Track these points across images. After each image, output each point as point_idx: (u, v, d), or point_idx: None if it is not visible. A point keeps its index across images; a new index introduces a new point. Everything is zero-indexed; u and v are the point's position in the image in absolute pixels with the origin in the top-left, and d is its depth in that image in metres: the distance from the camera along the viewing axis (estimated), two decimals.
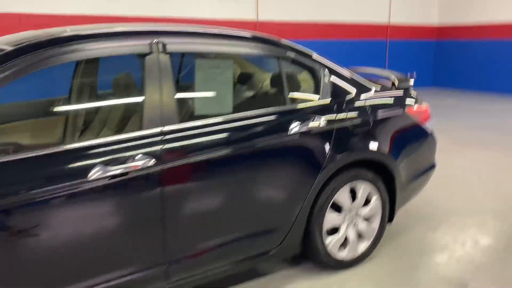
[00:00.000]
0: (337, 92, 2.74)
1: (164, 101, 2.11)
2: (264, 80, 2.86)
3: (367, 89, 2.90)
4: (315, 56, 2.74)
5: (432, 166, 3.29)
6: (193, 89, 2.55)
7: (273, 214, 2.47)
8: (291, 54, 2.60)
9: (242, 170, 2.31)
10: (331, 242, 2.73)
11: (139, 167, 1.99)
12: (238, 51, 2.44)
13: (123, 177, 1.96)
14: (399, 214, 3.64)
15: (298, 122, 2.49)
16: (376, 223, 2.93)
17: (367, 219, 2.91)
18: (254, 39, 2.48)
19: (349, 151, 2.66)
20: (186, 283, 2.25)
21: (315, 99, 2.69)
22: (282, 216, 2.50)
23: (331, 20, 10.86)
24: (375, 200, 2.88)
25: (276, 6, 10.00)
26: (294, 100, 2.65)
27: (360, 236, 2.88)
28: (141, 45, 2.12)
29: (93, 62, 2.78)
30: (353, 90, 2.81)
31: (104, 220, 1.97)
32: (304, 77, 2.77)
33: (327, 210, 2.67)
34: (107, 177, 1.92)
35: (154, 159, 2.02)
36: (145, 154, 2.02)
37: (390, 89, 3.07)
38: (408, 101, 3.07)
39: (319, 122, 2.56)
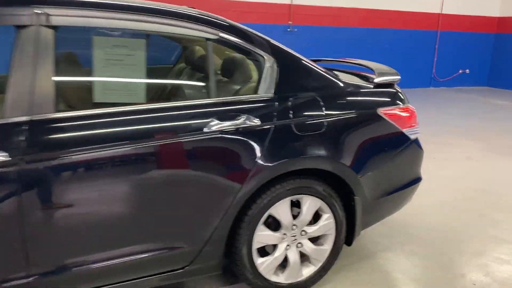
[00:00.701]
0: (286, 86, 2.26)
1: (37, 85, 1.76)
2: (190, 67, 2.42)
3: (333, 84, 2.40)
4: (262, 41, 2.26)
5: (415, 180, 2.74)
6: (84, 73, 2.18)
7: (178, 229, 2.06)
8: (226, 37, 2.15)
9: (135, 172, 1.91)
10: (264, 263, 2.30)
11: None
12: (148, 28, 2.02)
13: None
14: (374, 232, 3.12)
15: (221, 118, 2.05)
16: (327, 245, 2.44)
17: (316, 239, 2.44)
18: (171, 14, 2.05)
19: (289, 158, 2.19)
20: None
21: (252, 92, 2.24)
22: (191, 231, 2.08)
23: (374, 7, 10.05)
24: (326, 218, 2.39)
25: None
26: (223, 92, 2.21)
27: (305, 258, 2.42)
28: (18, 15, 1.77)
29: None
30: (309, 84, 2.32)
31: None
32: (248, 66, 2.32)
33: (259, 226, 2.23)
34: None
35: (8, 154, 1.68)
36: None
37: (366, 85, 2.53)
38: (384, 100, 2.53)
39: (249, 119, 2.10)
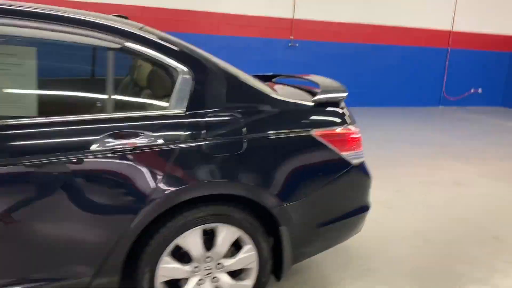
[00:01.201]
0: (201, 101, 2.04)
1: None
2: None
3: (262, 101, 2.16)
4: (177, 51, 2.05)
5: (360, 209, 2.46)
6: None
7: (56, 259, 1.84)
8: (132, 46, 1.95)
9: (10, 196, 1.71)
10: None
11: None
12: (41, 36, 1.82)
13: None
14: (326, 263, 2.83)
15: (115, 136, 1.84)
16: (249, 281, 2.19)
17: (238, 273, 2.19)
18: (68, 20, 1.86)
19: (197, 182, 1.95)
20: None
21: (160, 108, 2.02)
22: (74, 262, 1.86)
23: (380, 23, 9.77)
24: (247, 250, 2.14)
25: (316, 4, 9.17)
26: (128, 107, 2.01)
27: None
28: None
29: None
30: (230, 100, 2.09)
31: None
32: (162, 78, 2.10)
33: (163, 257, 1.99)
34: None
35: None
36: None
37: (303, 103, 2.28)
38: (321, 120, 2.27)
39: (149, 138, 1.89)
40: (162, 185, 1.88)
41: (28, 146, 1.74)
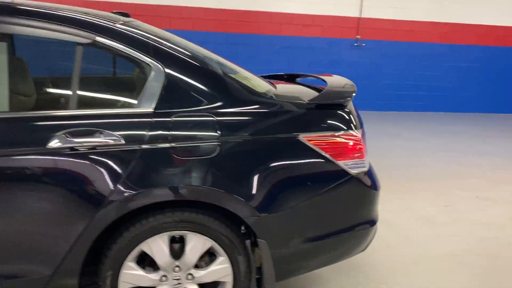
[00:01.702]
0: (172, 100, 1.91)
1: None
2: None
3: (245, 101, 1.99)
4: (151, 46, 1.94)
5: (362, 224, 2.17)
6: None
7: (17, 254, 1.82)
8: (103, 41, 1.87)
9: None
10: None
11: None
12: (4, 31, 1.81)
13: None
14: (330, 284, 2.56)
15: (74, 134, 1.77)
16: None
17: (214, 286, 2.03)
18: (36, 15, 1.83)
19: (157, 187, 1.83)
20: None
21: (128, 106, 1.93)
22: (32, 260, 1.82)
23: (458, 21, 8.97)
24: (220, 262, 1.97)
25: (385, 2, 8.65)
26: (88, 104, 1.93)
27: None
28: None
29: None
30: (207, 99, 1.94)
31: None
32: (136, 76, 2.01)
33: (126, 263, 1.89)
34: None
35: None
36: None
37: (295, 103, 2.07)
38: (315, 124, 2.04)
39: (109, 137, 1.80)
40: (120, 188, 1.78)
41: None
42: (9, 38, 1.88)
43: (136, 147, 1.81)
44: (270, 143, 1.96)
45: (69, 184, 1.77)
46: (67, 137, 1.77)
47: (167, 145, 1.83)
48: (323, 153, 2.00)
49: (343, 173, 2.05)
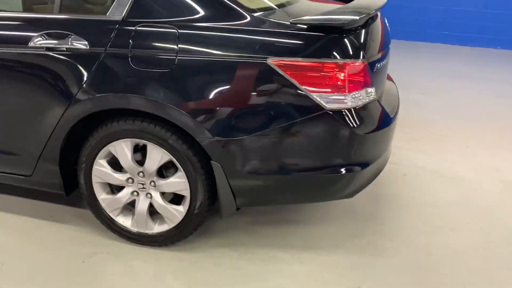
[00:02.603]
0: (142, 10, 1.90)
1: None
2: None
3: (221, 16, 1.89)
4: None
5: (344, 166, 1.94)
6: None
7: (10, 135, 2.13)
8: None
9: None
10: (106, 200, 2.16)
11: None
12: None
13: None
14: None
15: (49, 35, 1.93)
16: (183, 207, 2.08)
17: (178, 198, 2.11)
18: None
19: (113, 92, 1.90)
20: None
21: (101, 13, 1.97)
22: (21, 141, 2.12)
23: None
24: (179, 176, 2.02)
25: None
26: (74, 9, 2.03)
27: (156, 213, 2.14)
28: None
29: None
30: (177, 11, 1.89)
31: None
32: None
33: (97, 159, 2.07)
34: None
35: None
36: None
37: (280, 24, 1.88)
38: (287, 46, 1.83)
39: (76, 41, 1.90)
40: (84, 89, 1.91)
41: None
42: None
43: (99, 51, 1.89)
44: (233, 63, 1.83)
45: (45, 81, 1.97)
46: (45, 38, 1.93)
47: (127, 53, 1.86)
48: (293, 81, 1.80)
49: (315, 106, 1.82)
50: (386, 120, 2.06)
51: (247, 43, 1.84)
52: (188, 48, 1.84)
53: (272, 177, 1.96)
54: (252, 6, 2.01)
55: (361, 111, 1.90)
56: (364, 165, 1.99)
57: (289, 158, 1.93)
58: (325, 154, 1.93)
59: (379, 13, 2.43)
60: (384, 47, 2.26)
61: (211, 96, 1.84)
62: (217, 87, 1.84)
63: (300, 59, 1.80)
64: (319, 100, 1.82)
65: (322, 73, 1.81)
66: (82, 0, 2.08)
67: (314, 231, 2.38)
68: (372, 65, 1.99)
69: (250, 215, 2.48)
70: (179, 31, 1.85)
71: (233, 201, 2.03)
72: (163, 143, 1.95)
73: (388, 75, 2.72)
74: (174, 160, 1.98)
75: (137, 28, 1.87)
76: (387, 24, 2.59)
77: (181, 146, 1.94)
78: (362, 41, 1.95)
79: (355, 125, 1.87)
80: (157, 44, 1.86)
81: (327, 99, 1.82)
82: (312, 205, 2.59)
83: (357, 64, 1.85)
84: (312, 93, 1.81)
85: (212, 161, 1.93)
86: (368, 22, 2.11)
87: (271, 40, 1.84)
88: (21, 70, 2.00)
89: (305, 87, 1.81)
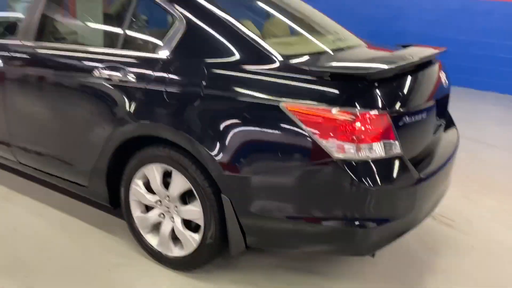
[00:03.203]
0: (185, 49, 2.13)
1: (34, 17, 2.60)
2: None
3: (261, 59, 2.01)
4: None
5: (354, 220, 1.85)
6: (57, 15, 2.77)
7: (69, 148, 2.52)
8: None
9: (40, 91, 2.57)
10: (139, 218, 2.36)
11: None
12: None
13: None
14: None
15: (107, 67, 2.26)
16: (197, 236, 2.17)
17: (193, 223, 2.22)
18: None
19: (149, 120, 2.13)
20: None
21: (152, 51, 2.23)
22: (78, 154, 2.48)
23: None
24: (196, 204, 2.13)
25: None
26: (125, 45, 2.34)
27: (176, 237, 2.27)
28: None
29: None
30: (214, 52, 2.07)
31: None
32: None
33: (134, 179, 2.29)
34: None
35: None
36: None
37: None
38: (299, 90, 1.86)
39: (125, 75, 2.19)
40: (127, 116, 2.18)
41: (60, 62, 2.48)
42: None
43: (142, 85, 2.14)
44: (249, 104, 1.92)
45: (98, 106, 2.30)
46: (105, 69, 2.26)
47: (162, 88, 2.08)
48: (303, 126, 1.81)
49: (323, 153, 1.79)
50: (408, 177, 1.90)
51: (264, 87, 1.92)
52: (211, 87, 1.98)
53: (278, 221, 1.95)
54: (292, 51, 2.11)
55: (375, 164, 1.80)
56: (379, 221, 1.86)
57: (294, 203, 1.91)
58: (332, 204, 1.86)
59: (433, 62, 2.32)
60: (433, 97, 2.14)
61: (225, 132, 1.93)
62: (232, 125, 1.93)
63: (311, 104, 1.81)
64: (327, 148, 1.78)
65: (334, 120, 1.78)
66: (140, 40, 2.39)
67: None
68: (406, 116, 1.92)
69: (276, 257, 2.45)
70: (206, 70, 2.01)
71: (241, 238, 2.05)
72: (184, 171, 2.09)
73: (450, 122, 2.61)
74: (192, 188, 2.10)
75: (177, 66, 2.10)
76: (445, 75, 2.43)
77: (199, 176, 2.05)
78: (388, 91, 1.88)
79: (365, 178, 1.78)
80: (186, 82, 2.05)
81: (336, 148, 1.78)
82: (348, 261, 2.45)
83: (373, 114, 1.78)
84: (321, 140, 1.79)
85: (222, 194, 2.00)
86: (407, 72, 2.02)
87: (286, 85, 1.89)
88: (82, 95, 2.38)
89: (315, 133, 1.79)
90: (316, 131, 1.79)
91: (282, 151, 1.87)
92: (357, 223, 1.84)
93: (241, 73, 1.98)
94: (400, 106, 1.90)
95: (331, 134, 1.78)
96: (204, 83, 2.00)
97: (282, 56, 2.01)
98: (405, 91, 1.98)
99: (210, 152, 1.95)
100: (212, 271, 2.31)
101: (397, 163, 1.88)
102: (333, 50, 2.31)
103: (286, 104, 1.83)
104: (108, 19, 2.63)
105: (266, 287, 2.23)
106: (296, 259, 2.45)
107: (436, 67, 2.34)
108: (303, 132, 1.81)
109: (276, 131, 1.87)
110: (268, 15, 2.91)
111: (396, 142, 1.86)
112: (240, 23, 2.11)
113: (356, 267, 2.40)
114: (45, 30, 2.64)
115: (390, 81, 1.91)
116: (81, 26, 2.84)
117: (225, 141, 1.94)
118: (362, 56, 2.32)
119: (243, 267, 2.37)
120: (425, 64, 2.21)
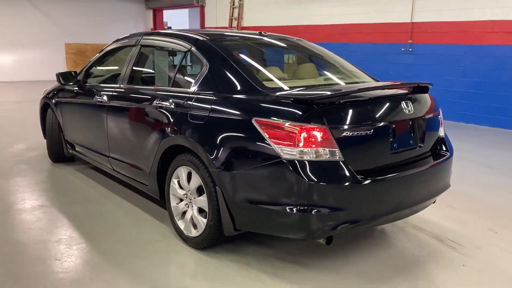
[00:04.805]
0: (204, 86, 3.04)
1: (127, 70, 3.83)
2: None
3: (251, 91, 2.83)
4: (211, 51, 3.16)
5: (295, 206, 2.46)
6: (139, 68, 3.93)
7: (140, 156, 3.48)
8: (194, 50, 3.26)
9: (126, 117, 3.66)
10: (174, 206, 3.21)
11: (101, 100, 3.94)
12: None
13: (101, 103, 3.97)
14: None
15: (161, 99, 3.27)
16: (205, 219, 2.93)
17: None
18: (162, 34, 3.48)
19: (176, 135, 3.05)
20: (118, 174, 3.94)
21: (187, 87, 3.20)
22: (142, 160, 3.44)
23: None
24: (203, 196, 2.92)
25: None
26: (174, 84, 3.37)
27: (193, 221, 3.05)
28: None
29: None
30: (222, 87, 2.95)
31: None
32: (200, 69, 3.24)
33: (172, 178, 3.17)
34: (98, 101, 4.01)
35: (106, 98, 3.90)
36: (107, 94, 3.92)
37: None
38: (268, 110, 2.63)
39: (170, 104, 3.16)
40: (169, 131, 3.12)
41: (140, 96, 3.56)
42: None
43: (177, 110, 3.08)
44: (234, 120, 2.70)
45: (157, 123, 3.29)
46: (159, 100, 3.28)
47: (187, 111, 2.99)
48: (265, 135, 2.52)
49: (276, 155, 2.47)
50: (346, 178, 2.44)
51: (244, 107, 2.70)
52: (214, 110, 2.83)
53: (248, 206, 2.62)
54: (281, 85, 2.95)
55: (313, 165, 2.40)
56: (318, 208, 2.42)
57: (261, 193, 2.58)
58: (283, 193, 2.49)
59: (407, 92, 2.91)
60: (389, 120, 2.70)
61: (218, 140, 2.73)
62: (223, 136, 2.73)
63: (273, 120, 2.52)
64: (278, 150, 2.45)
65: (282, 130, 2.46)
66: (183, 80, 3.37)
67: (323, 279, 2.76)
68: (349, 132, 2.53)
69: (272, 249, 3.05)
70: (214, 98, 2.87)
71: (230, 221, 2.76)
72: (197, 171, 2.91)
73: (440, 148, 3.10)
74: (202, 183, 2.90)
75: (197, 96, 3.01)
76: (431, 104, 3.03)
77: (205, 174, 2.85)
78: (330, 111, 2.49)
79: (304, 174, 2.39)
80: (200, 106, 2.94)
81: (283, 150, 2.44)
82: (344, 262, 2.92)
83: (313, 127, 2.41)
84: (275, 145, 2.47)
85: (216, 187, 2.76)
86: (360, 97, 2.67)
87: (259, 106, 2.64)
88: (147, 118, 3.41)
89: (271, 140, 2.49)
90: (273, 138, 2.49)
91: (251, 153, 2.60)
92: (300, 208, 2.43)
93: (234, 100, 2.79)
94: (341, 123, 2.48)
95: (283, 141, 2.45)
96: (211, 107, 2.85)
97: (266, 89, 2.77)
98: (349, 112, 2.55)
99: (209, 155, 2.75)
100: (220, 252, 3.01)
101: (334, 166, 2.43)
102: (325, 84, 3.00)
103: (256, 119, 2.57)
104: (168, 67, 3.71)
105: (254, 265, 2.85)
106: (290, 253, 3.01)
107: (407, 96, 2.87)
108: (265, 139, 2.51)
109: (248, 139, 2.63)
110: (302, 61, 3.75)
111: (336, 150, 2.43)
112: (246, 65, 2.99)
113: (339, 264, 2.87)
114: (134, 77, 3.84)
115: (336, 104, 2.52)
116: (152, 73, 4.02)
117: (217, 146, 2.72)
118: (337, 88, 2.94)
119: (245, 254, 3.01)
120: (396, 93, 2.86)
